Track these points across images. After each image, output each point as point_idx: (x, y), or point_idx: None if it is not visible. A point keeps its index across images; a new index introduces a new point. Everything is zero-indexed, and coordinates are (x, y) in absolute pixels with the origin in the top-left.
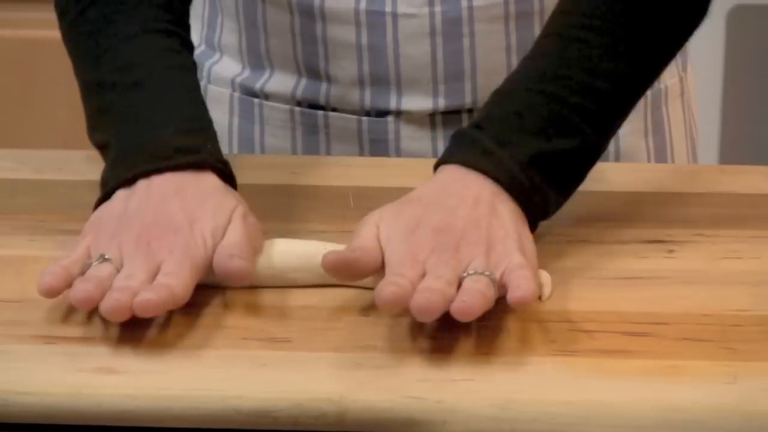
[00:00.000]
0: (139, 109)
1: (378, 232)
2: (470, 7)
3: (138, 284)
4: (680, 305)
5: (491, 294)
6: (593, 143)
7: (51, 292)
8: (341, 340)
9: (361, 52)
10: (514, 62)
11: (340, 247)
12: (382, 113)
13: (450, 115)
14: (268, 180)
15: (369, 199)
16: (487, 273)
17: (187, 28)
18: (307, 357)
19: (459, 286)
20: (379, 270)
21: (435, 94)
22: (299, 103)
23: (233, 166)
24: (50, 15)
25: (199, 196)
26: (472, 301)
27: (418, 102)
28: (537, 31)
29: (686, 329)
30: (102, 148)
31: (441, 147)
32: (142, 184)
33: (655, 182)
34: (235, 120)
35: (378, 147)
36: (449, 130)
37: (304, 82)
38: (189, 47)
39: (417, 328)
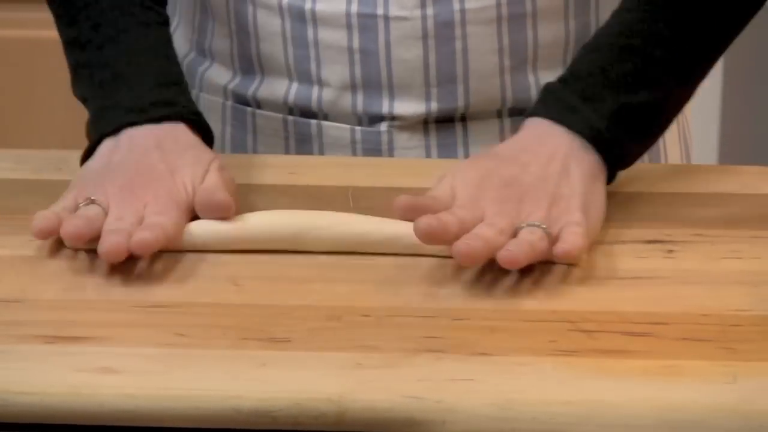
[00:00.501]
0: (113, 65)
1: (453, 181)
2: (462, 10)
3: (129, 225)
4: (680, 305)
5: (542, 247)
6: (676, 96)
7: (43, 234)
8: (341, 340)
9: (353, 55)
10: (507, 65)
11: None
12: (375, 119)
13: (443, 123)
14: (267, 180)
15: (369, 199)
16: (543, 226)
17: None
18: (307, 357)
19: (514, 234)
20: None
21: (428, 98)
22: (291, 111)
23: (235, 166)
24: (50, 15)
25: (179, 149)
26: (517, 250)
27: (410, 106)
28: (529, 33)
29: (686, 329)
30: (84, 101)
31: (435, 156)
32: (124, 137)
33: (654, 182)
34: (228, 129)
35: (371, 157)
36: (442, 139)
37: (295, 86)
38: (161, 2)
39: (417, 328)
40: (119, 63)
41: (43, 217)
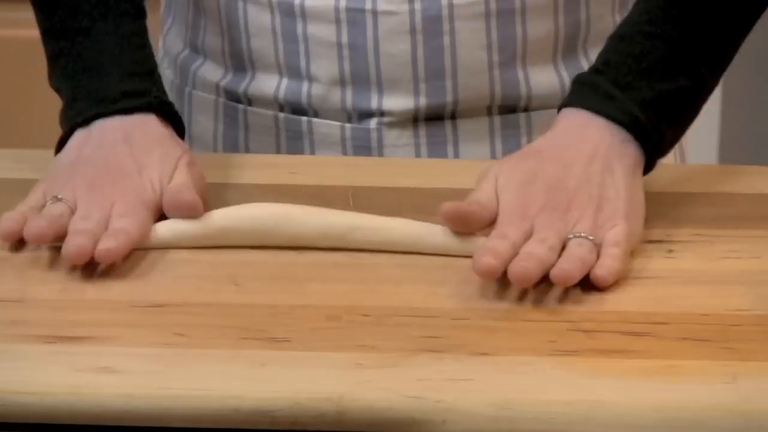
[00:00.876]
0: (86, 55)
1: (496, 183)
2: (450, 5)
3: (94, 225)
4: (680, 305)
5: (591, 259)
6: (708, 81)
7: (9, 236)
8: (341, 340)
9: (342, 50)
10: (496, 60)
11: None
12: (364, 114)
13: (432, 121)
14: (267, 180)
15: (369, 199)
16: (591, 237)
17: None
18: (307, 357)
19: (562, 245)
20: (493, 223)
21: (416, 93)
22: (282, 108)
23: (235, 166)
24: None
25: (147, 144)
26: (570, 268)
27: (399, 101)
28: (518, 28)
29: (686, 329)
30: (58, 92)
31: (424, 153)
32: (96, 126)
33: (654, 182)
34: (220, 126)
35: (361, 154)
36: (432, 136)
37: (285, 82)
38: None
39: (417, 328)
40: (91, 53)
41: (8, 219)
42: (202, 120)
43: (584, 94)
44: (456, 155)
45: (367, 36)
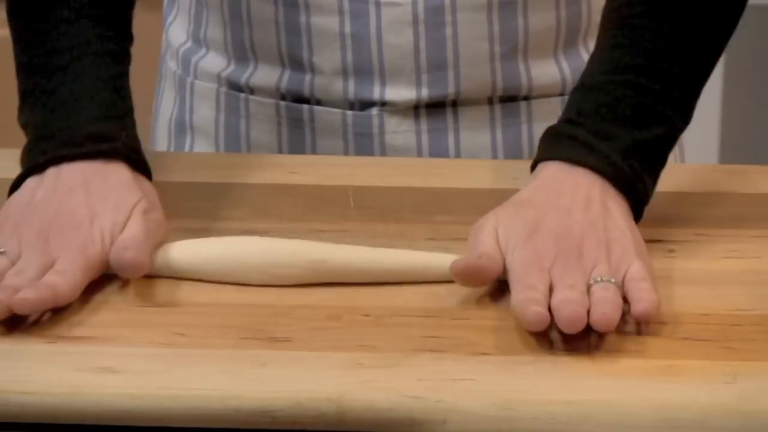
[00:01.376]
0: (58, 94)
1: (497, 236)
2: None
3: (25, 281)
4: (680, 305)
5: (620, 301)
6: (678, 127)
7: None
8: (341, 340)
9: (345, 41)
10: (497, 51)
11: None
12: (367, 104)
13: (433, 108)
14: (268, 179)
15: (369, 199)
16: (612, 280)
17: (126, 17)
18: (307, 356)
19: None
20: (501, 275)
21: (418, 84)
22: (284, 97)
23: (235, 165)
24: None
25: (104, 190)
26: (611, 312)
27: (401, 92)
28: (519, 20)
29: (686, 329)
30: (24, 128)
31: (425, 141)
32: (51, 172)
33: None
34: (222, 115)
35: (362, 141)
36: (433, 124)
37: (288, 73)
38: (124, 36)
39: (417, 328)
40: (65, 92)
41: None
42: (203, 109)
43: (562, 145)
44: (457, 142)
45: (370, 27)
